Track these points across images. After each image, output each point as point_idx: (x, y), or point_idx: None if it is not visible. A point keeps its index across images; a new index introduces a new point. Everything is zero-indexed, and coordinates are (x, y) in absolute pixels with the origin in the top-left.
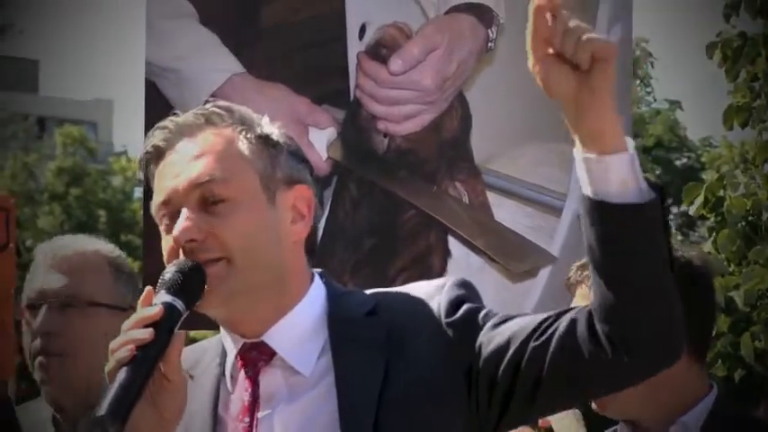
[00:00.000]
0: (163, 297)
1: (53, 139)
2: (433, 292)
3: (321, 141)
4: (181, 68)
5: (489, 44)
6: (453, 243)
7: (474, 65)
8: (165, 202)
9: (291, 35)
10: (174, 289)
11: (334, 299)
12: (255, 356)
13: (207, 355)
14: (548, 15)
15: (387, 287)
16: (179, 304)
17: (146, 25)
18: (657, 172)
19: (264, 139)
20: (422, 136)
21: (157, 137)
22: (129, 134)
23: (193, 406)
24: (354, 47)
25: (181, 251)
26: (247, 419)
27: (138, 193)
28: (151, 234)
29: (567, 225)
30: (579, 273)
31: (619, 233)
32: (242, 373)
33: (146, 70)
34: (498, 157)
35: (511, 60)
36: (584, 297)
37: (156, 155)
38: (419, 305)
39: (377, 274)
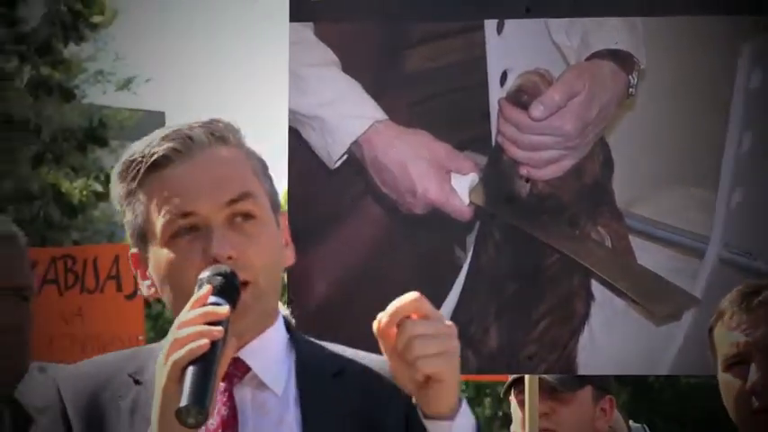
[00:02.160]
0: (214, 298)
1: None
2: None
3: (463, 187)
4: (324, 116)
5: (630, 89)
6: (596, 287)
7: (615, 110)
8: (186, 215)
9: (433, 82)
10: (222, 292)
11: (295, 334)
12: (232, 371)
13: (155, 360)
14: (393, 329)
15: (530, 331)
16: (229, 306)
17: (289, 74)
18: None
19: (262, 162)
20: (564, 180)
21: (164, 146)
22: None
23: (150, 413)
24: (496, 93)
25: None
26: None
27: None
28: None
29: (709, 267)
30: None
31: None
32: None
33: (289, 118)
34: (640, 200)
35: (652, 105)
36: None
37: (162, 164)
38: (384, 383)
39: (520, 319)
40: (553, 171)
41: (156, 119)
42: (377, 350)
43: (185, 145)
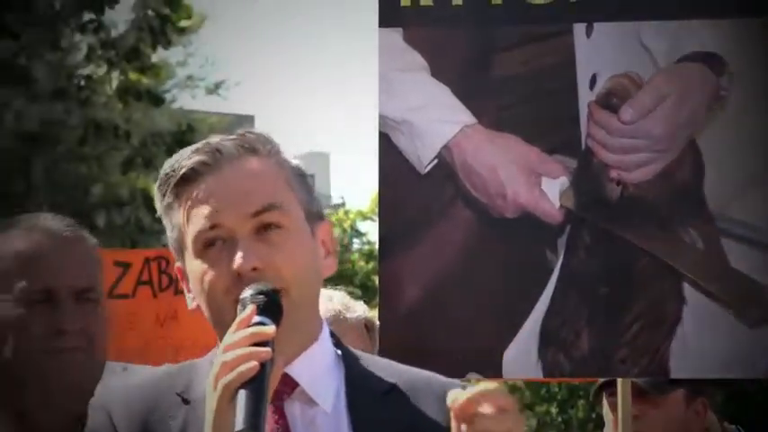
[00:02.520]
0: (258, 317)
1: None
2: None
3: (553, 190)
4: (414, 121)
5: (721, 92)
6: (688, 290)
7: (705, 113)
8: (213, 227)
9: (522, 85)
10: (266, 311)
11: (344, 350)
12: (281, 388)
13: (201, 377)
14: (468, 410)
15: (622, 335)
16: (273, 325)
17: (378, 79)
18: None
19: (299, 171)
20: (654, 183)
21: (194, 159)
22: (345, 186)
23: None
24: (585, 96)
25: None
26: None
27: (357, 244)
28: (387, 284)
29: None
30: None
31: None
32: None
33: (379, 123)
34: (732, 202)
35: (743, 107)
36: None
37: (191, 177)
38: (435, 402)
39: (612, 322)
40: (643, 174)
41: (246, 123)
42: (468, 354)
43: (214, 158)
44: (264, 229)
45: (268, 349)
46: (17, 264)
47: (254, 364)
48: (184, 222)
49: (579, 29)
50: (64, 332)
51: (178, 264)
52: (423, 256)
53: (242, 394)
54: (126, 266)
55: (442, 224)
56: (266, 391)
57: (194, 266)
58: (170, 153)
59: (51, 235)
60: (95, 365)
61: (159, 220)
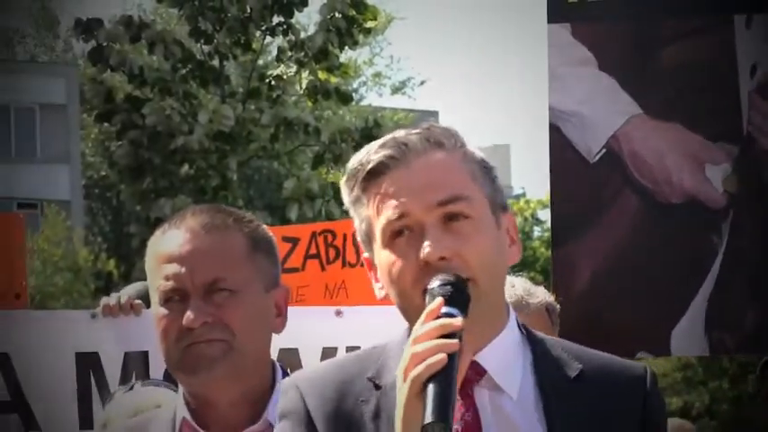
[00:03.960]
0: (446, 308)
1: None
2: (632, 381)
3: (716, 176)
4: (583, 112)
5: None
6: None
7: None
8: (401, 217)
9: (685, 76)
10: (452, 301)
11: (530, 335)
12: (470, 375)
13: (392, 362)
14: None
15: None
16: (461, 315)
17: (548, 74)
18: None
19: (484, 164)
20: None
21: (381, 154)
22: (525, 177)
23: (392, 417)
24: (746, 86)
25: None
26: None
27: (538, 232)
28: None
29: None
30: None
31: None
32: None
33: (549, 115)
34: None
35: None
36: None
37: (379, 171)
38: (621, 387)
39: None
40: None
41: (430, 118)
42: (638, 333)
43: (400, 151)
44: (451, 219)
45: (456, 341)
46: (155, 264)
47: (442, 356)
48: (373, 214)
49: (739, 20)
50: (191, 329)
51: (366, 255)
52: (594, 241)
53: (431, 388)
54: (294, 241)
55: (612, 210)
56: (454, 382)
57: (383, 257)
58: (358, 149)
59: (185, 232)
60: (242, 354)
61: (348, 213)
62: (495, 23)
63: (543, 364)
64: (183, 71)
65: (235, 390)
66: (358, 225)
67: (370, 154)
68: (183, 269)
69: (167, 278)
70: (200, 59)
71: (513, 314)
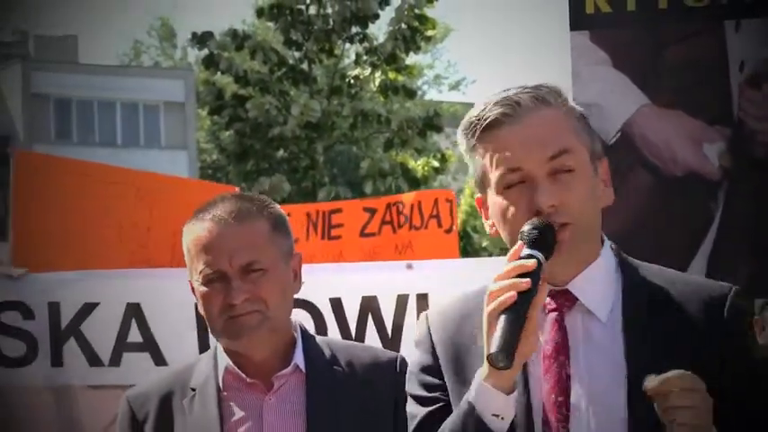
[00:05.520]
0: (527, 251)
1: None
2: (716, 296)
3: (713, 153)
4: (600, 103)
5: None
6: None
7: None
8: (515, 170)
9: (686, 72)
10: (535, 244)
11: (624, 263)
12: (561, 303)
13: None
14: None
15: None
16: (542, 257)
17: (571, 72)
18: None
19: (584, 118)
20: None
21: (496, 111)
22: None
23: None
24: (736, 78)
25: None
26: (562, 357)
27: None
28: None
29: None
30: None
31: None
32: (549, 317)
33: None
34: None
35: None
36: None
37: (494, 125)
38: (705, 307)
39: (758, 267)
40: None
41: None
42: None
43: (513, 109)
44: (557, 172)
45: (527, 280)
46: (194, 251)
47: (512, 293)
48: (488, 164)
49: (729, 25)
50: (233, 305)
51: (478, 195)
52: (613, 209)
53: (500, 320)
54: (372, 211)
55: (627, 183)
56: (522, 317)
57: (497, 201)
58: (421, 134)
59: (217, 222)
60: (274, 320)
61: (414, 187)
62: (528, 32)
63: (632, 287)
64: (279, 73)
65: (268, 347)
66: (473, 170)
67: (486, 110)
68: (222, 255)
69: (208, 264)
70: (292, 64)
71: (607, 243)
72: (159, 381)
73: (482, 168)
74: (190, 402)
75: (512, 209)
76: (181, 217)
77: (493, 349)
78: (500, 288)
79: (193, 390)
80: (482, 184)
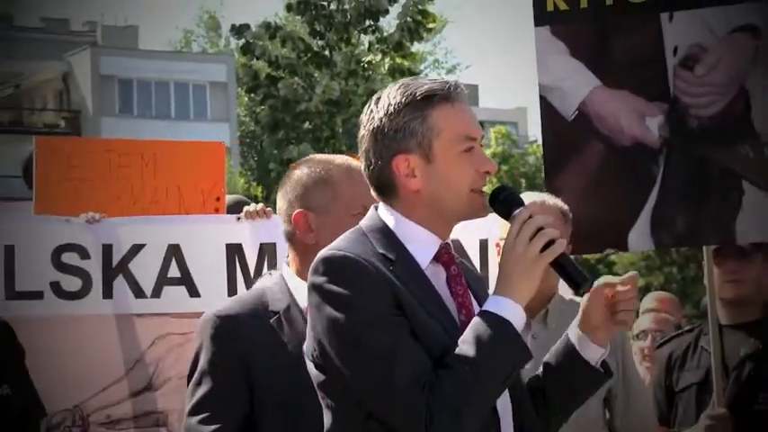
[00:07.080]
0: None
1: (488, 135)
2: None
3: (654, 125)
4: (561, 86)
5: (759, 52)
6: (745, 184)
7: (750, 66)
8: (473, 138)
9: (630, 57)
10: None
11: None
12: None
13: None
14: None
15: (703, 214)
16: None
17: (536, 60)
18: None
19: None
20: (719, 115)
21: (452, 86)
22: (537, 129)
23: None
24: (671, 61)
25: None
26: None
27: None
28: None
29: None
30: None
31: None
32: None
33: (539, 89)
34: None
35: None
36: None
37: (449, 97)
38: None
39: (696, 207)
40: (712, 110)
41: (473, 91)
42: (605, 234)
43: (460, 90)
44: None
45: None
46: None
47: (564, 240)
48: (444, 129)
49: (664, 16)
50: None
51: (401, 157)
52: (573, 173)
53: (566, 260)
54: None
55: (584, 152)
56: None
57: (449, 164)
58: None
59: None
60: None
61: None
62: (502, 29)
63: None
64: (305, 58)
65: None
66: (411, 136)
67: (436, 86)
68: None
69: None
70: (316, 50)
71: None
72: (241, 304)
73: (428, 134)
74: (278, 322)
75: (465, 169)
76: (179, 173)
77: (587, 283)
78: (546, 222)
79: (275, 312)
80: (422, 148)
